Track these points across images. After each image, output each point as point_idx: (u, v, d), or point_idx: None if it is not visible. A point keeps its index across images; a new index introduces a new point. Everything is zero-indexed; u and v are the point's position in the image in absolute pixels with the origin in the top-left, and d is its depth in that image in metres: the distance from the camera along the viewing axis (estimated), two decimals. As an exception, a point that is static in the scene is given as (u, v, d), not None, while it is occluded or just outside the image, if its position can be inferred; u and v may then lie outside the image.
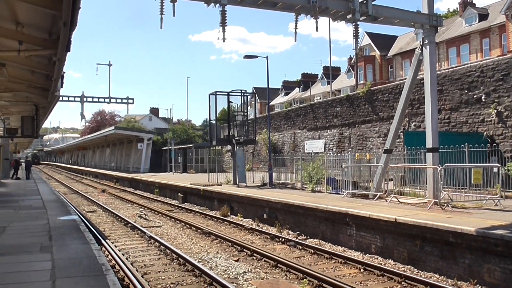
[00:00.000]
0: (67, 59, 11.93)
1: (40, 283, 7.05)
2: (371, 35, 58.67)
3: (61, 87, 17.29)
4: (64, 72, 14.93)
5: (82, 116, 50.17)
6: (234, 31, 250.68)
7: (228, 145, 29.08)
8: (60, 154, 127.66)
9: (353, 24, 13.33)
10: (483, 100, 23.24)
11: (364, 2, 13.22)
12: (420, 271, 10.77)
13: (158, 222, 18.91)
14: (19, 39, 11.29)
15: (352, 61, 63.01)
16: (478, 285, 9.50)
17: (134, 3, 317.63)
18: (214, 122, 26.97)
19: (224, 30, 11.40)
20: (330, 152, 32.86)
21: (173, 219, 19.56)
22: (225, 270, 10.92)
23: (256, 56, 27.04)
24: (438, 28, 15.70)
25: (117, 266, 10.99)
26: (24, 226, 12.91)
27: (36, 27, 11.16)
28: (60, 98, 26.53)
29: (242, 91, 27.54)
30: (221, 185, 25.77)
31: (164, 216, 20.83)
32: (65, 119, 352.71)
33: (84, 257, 8.75)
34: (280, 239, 14.51)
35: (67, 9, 8.09)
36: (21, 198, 21.85)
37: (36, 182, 36.38)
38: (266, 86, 29.28)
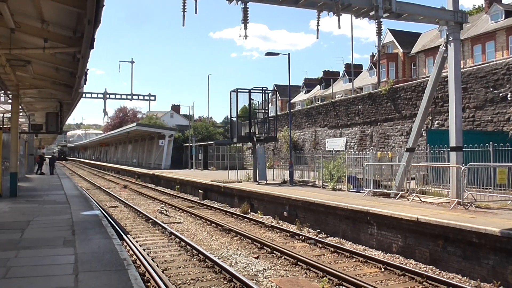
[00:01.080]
0: (91, 56, 12.13)
1: (63, 277, 7.18)
2: (394, 32, 57.97)
3: (85, 84, 17.57)
4: (87, 69, 15.16)
5: (105, 113, 50.77)
6: (255, 28, 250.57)
7: (249, 143, 29.06)
8: (83, 150, 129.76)
9: (376, 21, 13.19)
10: (509, 98, 22.77)
11: (388, -2, 13.06)
12: (442, 272, 10.62)
13: (179, 218, 19.06)
14: (45, 36, 11.52)
15: (374, 59, 62.42)
16: (501, 287, 9.33)
17: (156, 1, 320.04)
18: (235, 119, 27.01)
19: (246, 27, 11.41)
20: (352, 150, 32.66)
21: (193, 216, 19.69)
22: (245, 267, 10.94)
23: (278, 53, 27.00)
24: (463, 25, 15.42)
25: (138, 261, 11.11)
26: (48, 220, 13.16)
27: (61, 25, 11.36)
28: (84, 95, 27.02)
29: (263, 88, 27.54)
30: (241, 182, 25.82)
31: (184, 212, 20.97)
32: (88, 116, 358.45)
33: (106, 251, 8.88)
34: (300, 237, 14.47)
35: (92, 7, 8.21)
36: (45, 193, 22.27)
37: (59, 177, 37.02)
38: (287, 84, 29.18)
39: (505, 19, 44.03)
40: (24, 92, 19.78)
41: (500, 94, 23.26)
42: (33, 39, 12.17)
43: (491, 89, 23.81)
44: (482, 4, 56.55)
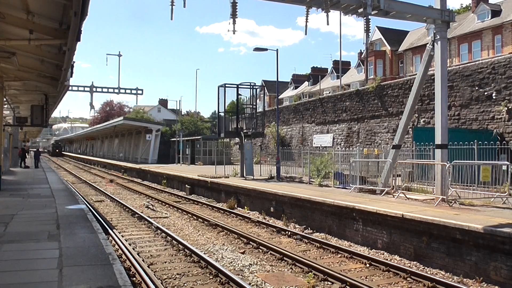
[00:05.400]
0: (77, 49, 11.98)
1: (47, 271, 7.12)
2: (382, 29, 58.28)
3: (71, 76, 17.37)
4: (74, 62, 14.99)
5: (91, 106, 50.18)
6: (243, 23, 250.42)
7: (236, 138, 29.05)
8: (68, 144, 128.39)
9: (364, 18, 13.22)
10: (494, 97, 23.03)
11: (376, -4, 13.09)
12: (426, 268, 10.74)
13: (165, 213, 19.00)
14: (30, 28, 11.35)
15: (362, 56, 62.62)
16: (484, 283, 9.46)
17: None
18: (222, 114, 26.96)
19: (234, 22, 11.40)
20: (338, 147, 32.79)
21: (180, 210, 19.64)
22: (231, 262, 10.96)
23: (266, 49, 26.93)
24: (450, 23, 15.53)
25: (123, 256, 11.06)
26: (32, 214, 13.04)
27: (47, 16, 11.19)
28: (70, 88, 26.67)
29: (251, 83, 27.50)
30: (228, 177, 25.80)
31: (171, 207, 20.91)
32: (74, 109, 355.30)
33: (91, 246, 8.83)
34: (287, 232, 14.52)
35: (78, -1, 8.10)
36: (30, 186, 22.04)
37: (44, 171, 36.67)
38: (275, 79, 29.25)
39: (491, 18, 44.48)
40: (8, 84, 19.50)
41: (485, 93, 23.50)
42: (18, 30, 11.99)
43: (477, 88, 24.05)
44: (469, 4, 57.00)
